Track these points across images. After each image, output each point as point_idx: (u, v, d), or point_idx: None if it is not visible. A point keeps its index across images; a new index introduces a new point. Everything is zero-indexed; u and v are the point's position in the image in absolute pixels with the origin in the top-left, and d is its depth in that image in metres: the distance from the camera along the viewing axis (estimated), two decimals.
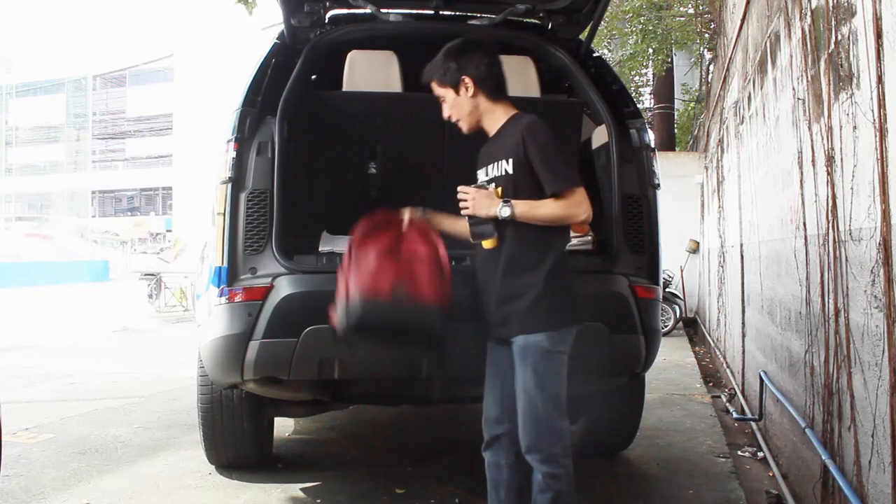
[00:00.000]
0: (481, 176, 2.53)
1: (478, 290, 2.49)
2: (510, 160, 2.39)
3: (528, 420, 2.34)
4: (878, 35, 2.09)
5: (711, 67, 10.32)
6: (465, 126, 2.52)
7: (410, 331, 2.48)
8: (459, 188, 2.44)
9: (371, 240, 2.46)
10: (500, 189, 2.41)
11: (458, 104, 2.48)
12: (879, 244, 2.09)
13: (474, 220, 2.42)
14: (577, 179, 2.38)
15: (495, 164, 2.45)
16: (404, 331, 2.48)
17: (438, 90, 2.51)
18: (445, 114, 2.53)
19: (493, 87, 2.49)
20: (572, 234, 3.11)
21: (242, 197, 2.83)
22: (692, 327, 10.71)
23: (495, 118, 2.50)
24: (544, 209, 2.35)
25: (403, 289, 2.39)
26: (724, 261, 6.88)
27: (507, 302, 2.38)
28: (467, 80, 2.45)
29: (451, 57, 2.48)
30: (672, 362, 7.27)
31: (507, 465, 2.47)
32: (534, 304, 2.34)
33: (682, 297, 10.62)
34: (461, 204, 2.42)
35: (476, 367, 2.57)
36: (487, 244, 2.42)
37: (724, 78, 6.62)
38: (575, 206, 2.35)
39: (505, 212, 2.34)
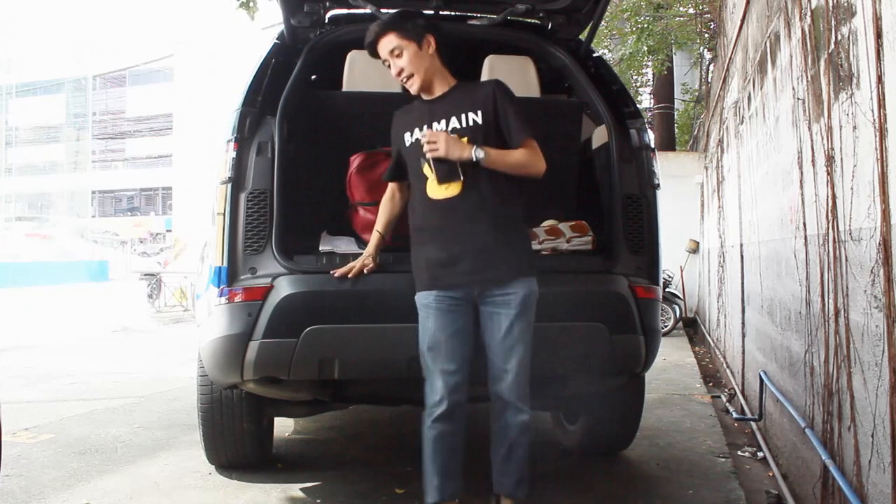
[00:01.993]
0: (409, 138, 2.67)
1: (436, 240, 2.57)
2: (479, 112, 2.58)
3: (522, 371, 2.49)
4: (878, 35, 2.09)
5: (711, 67, 10.33)
6: (416, 83, 2.63)
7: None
8: (426, 132, 2.57)
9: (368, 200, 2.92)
10: (465, 139, 2.55)
11: (419, 58, 2.61)
12: (879, 244, 2.09)
13: (441, 163, 2.52)
14: (534, 133, 2.61)
15: (455, 117, 2.59)
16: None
17: (396, 42, 2.61)
18: (396, 68, 2.63)
19: (443, 54, 2.67)
20: (572, 233, 3.11)
21: (242, 197, 2.83)
22: (692, 327, 10.71)
23: (443, 80, 2.66)
24: (514, 156, 2.56)
25: (398, 236, 2.80)
26: (723, 261, 6.88)
27: (495, 248, 2.53)
28: (430, 38, 2.62)
29: (413, 14, 2.70)
30: (672, 362, 7.27)
31: (462, 429, 2.55)
32: (526, 251, 2.62)
33: (682, 297, 10.62)
34: (429, 146, 2.52)
35: (476, 367, 2.58)
36: (453, 189, 2.53)
37: (724, 78, 6.62)
38: (536, 156, 2.58)
39: (480, 154, 2.50)
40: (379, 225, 2.84)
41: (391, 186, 2.87)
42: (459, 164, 2.51)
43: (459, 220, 2.52)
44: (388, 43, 2.61)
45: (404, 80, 2.64)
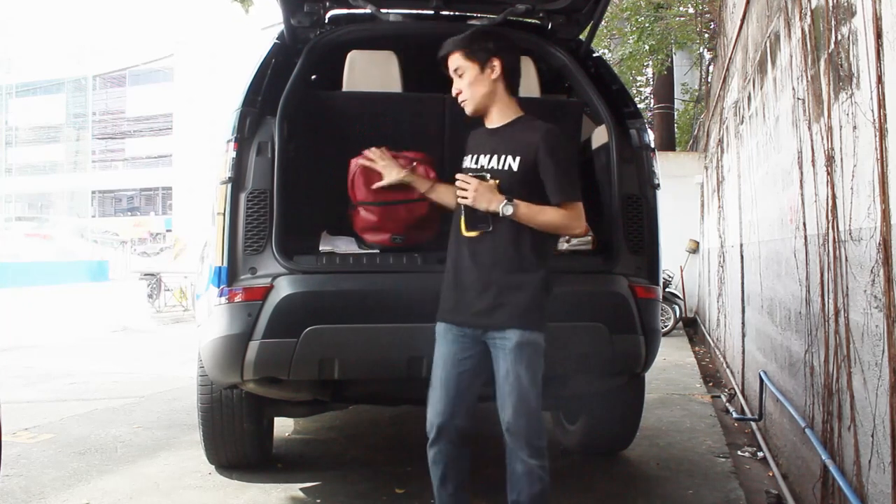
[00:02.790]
0: (468, 162, 2.53)
1: (455, 274, 2.49)
2: (518, 159, 2.39)
3: (522, 415, 2.36)
4: (878, 35, 2.09)
5: (711, 67, 10.33)
6: (470, 107, 2.49)
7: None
8: (460, 176, 2.45)
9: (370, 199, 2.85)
10: (496, 182, 2.41)
11: (478, 83, 2.44)
12: (879, 244, 2.09)
13: (471, 209, 2.42)
14: (580, 195, 2.44)
15: (496, 157, 2.44)
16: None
17: (460, 62, 2.45)
18: (455, 89, 2.50)
19: (515, 81, 2.51)
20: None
21: (242, 197, 2.83)
22: (692, 327, 10.71)
23: (503, 112, 2.49)
24: (546, 215, 2.39)
25: (399, 238, 2.88)
26: (723, 261, 6.88)
27: (497, 293, 2.40)
28: (496, 62, 2.43)
29: (486, 35, 2.50)
30: (672, 362, 7.27)
31: (454, 459, 2.49)
32: (532, 301, 2.40)
33: (682, 297, 10.62)
34: (460, 193, 2.42)
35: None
36: (474, 233, 2.43)
37: (724, 78, 6.62)
38: (576, 219, 2.41)
39: (507, 210, 2.35)
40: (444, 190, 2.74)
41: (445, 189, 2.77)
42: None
43: (475, 259, 2.43)
44: (454, 61, 2.47)
45: (461, 101, 2.51)
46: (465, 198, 2.40)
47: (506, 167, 2.41)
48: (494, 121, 2.50)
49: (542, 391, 3.01)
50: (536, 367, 2.40)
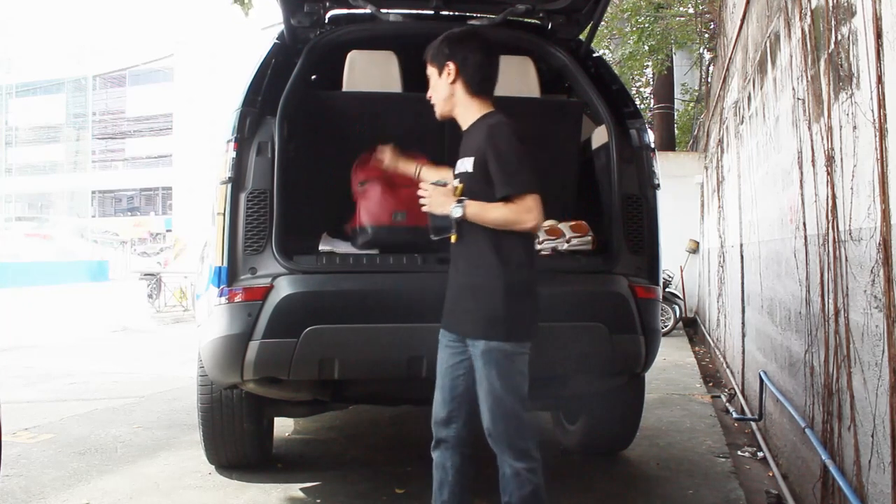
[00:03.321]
0: (458, 169, 2.53)
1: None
2: (472, 159, 2.39)
3: (499, 420, 2.34)
4: (878, 35, 2.09)
5: (711, 67, 10.33)
6: (437, 110, 2.54)
7: (406, 245, 2.88)
8: (421, 185, 2.49)
9: (373, 177, 2.92)
10: (461, 186, 2.41)
11: (438, 87, 2.50)
12: (879, 244, 2.09)
13: (434, 217, 2.44)
14: (531, 186, 2.32)
15: (462, 160, 2.46)
16: (402, 246, 2.89)
17: (428, 68, 2.53)
18: (429, 94, 2.55)
19: (476, 82, 2.46)
20: (572, 233, 3.11)
21: (242, 197, 2.83)
22: (692, 327, 10.71)
23: (468, 113, 2.47)
24: (495, 212, 2.33)
25: (401, 215, 2.92)
26: (723, 261, 6.88)
27: (460, 300, 2.40)
28: (451, 65, 2.44)
29: (446, 40, 2.49)
30: (672, 362, 7.27)
31: (453, 466, 2.48)
32: (493, 310, 2.32)
33: (682, 297, 10.62)
34: (421, 201, 2.46)
35: None
36: (452, 239, 2.44)
37: (724, 78, 6.62)
38: (524, 212, 2.30)
39: (456, 212, 2.35)
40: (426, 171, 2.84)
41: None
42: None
43: (454, 265, 2.45)
44: (427, 68, 2.53)
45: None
46: (426, 205, 2.44)
47: (465, 169, 2.42)
48: (462, 123, 2.51)
49: (542, 391, 2.99)
50: (512, 372, 2.33)
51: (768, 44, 3.93)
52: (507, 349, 2.33)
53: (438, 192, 2.41)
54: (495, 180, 2.32)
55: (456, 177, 2.46)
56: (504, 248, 2.35)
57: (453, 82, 2.45)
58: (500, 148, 2.33)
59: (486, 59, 2.48)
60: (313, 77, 3.56)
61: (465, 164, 2.42)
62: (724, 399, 5.63)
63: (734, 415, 4.97)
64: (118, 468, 3.80)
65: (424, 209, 2.44)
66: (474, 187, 2.37)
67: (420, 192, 2.46)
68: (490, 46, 2.52)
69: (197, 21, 31.62)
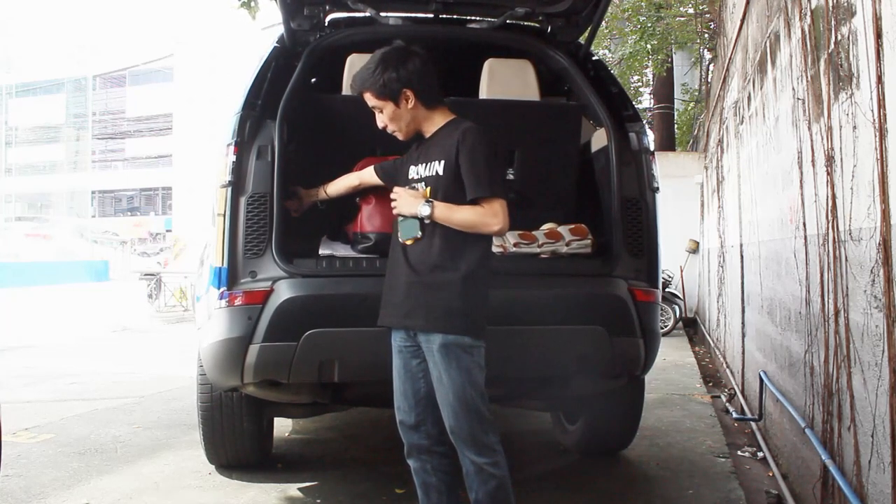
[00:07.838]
0: (412, 174, 2.54)
1: (389, 278, 2.51)
2: (442, 162, 2.41)
3: (460, 416, 2.35)
4: (878, 35, 2.09)
5: (711, 67, 10.33)
6: (402, 136, 2.54)
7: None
8: (395, 189, 2.51)
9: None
10: (429, 189, 2.44)
11: (398, 116, 2.47)
12: (879, 244, 2.09)
13: (402, 219, 2.46)
14: (499, 191, 2.36)
15: (428, 164, 2.47)
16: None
17: (374, 101, 2.48)
18: (380, 122, 2.52)
19: (432, 95, 2.49)
20: (571, 236, 3.11)
21: (242, 201, 2.83)
22: (692, 327, 10.71)
23: (432, 123, 2.51)
24: (460, 214, 2.37)
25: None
26: (723, 261, 6.88)
27: (413, 296, 2.40)
28: (409, 92, 2.43)
29: (389, 67, 2.42)
30: (672, 362, 7.27)
31: (433, 468, 2.49)
32: (450, 304, 2.35)
33: (681, 297, 10.61)
34: (391, 203, 2.49)
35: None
36: (409, 241, 2.44)
37: (724, 78, 6.62)
38: (490, 216, 2.34)
39: (424, 210, 2.37)
40: (330, 185, 2.94)
41: (368, 171, 2.85)
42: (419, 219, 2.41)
43: (407, 263, 2.44)
44: (368, 99, 2.49)
45: (391, 132, 2.54)
46: (395, 207, 2.47)
47: (434, 172, 2.44)
48: (426, 132, 2.53)
49: (542, 393, 2.98)
50: (470, 365, 2.36)
51: (768, 44, 3.93)
52: (466, 342, 2.35)
53: (407, 193, 2.46)
54: (466, 183, 2.37)
55: (420, 181, 2.49)
56: (463, 249, 2.39)
57: (414, 107, 2.46)
58: (475, 152, 2.37)
59: (429, 68, 2.48)
60: (313, 80, 3.56)
61: (433, 167, 2.45)
62: (724, 399, 5.63)
63: (734, 415, 4.97)
64: (118, 468, 3.80)
65: (395, 211, 2.47)
66: (444, 190, 2.41)
67: (392, 194, 2.49)
68: (424, 54, 2.50)
69: (197, 21, 31.64)
